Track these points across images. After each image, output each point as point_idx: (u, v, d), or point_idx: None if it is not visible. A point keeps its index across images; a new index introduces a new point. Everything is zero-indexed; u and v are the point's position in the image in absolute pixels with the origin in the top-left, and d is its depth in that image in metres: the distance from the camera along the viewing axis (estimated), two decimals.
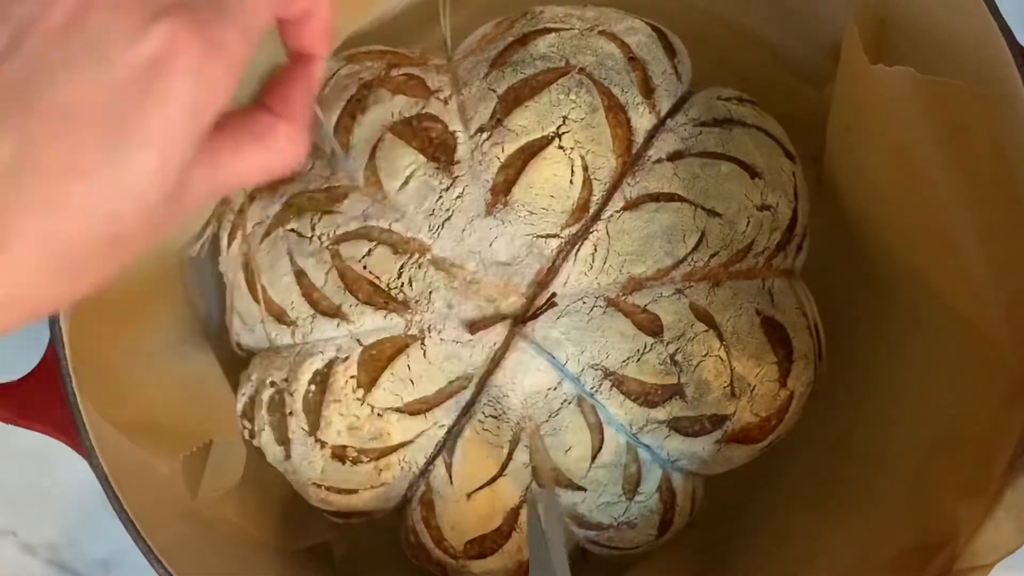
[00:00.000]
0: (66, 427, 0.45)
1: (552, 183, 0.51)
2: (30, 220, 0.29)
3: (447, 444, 0.53)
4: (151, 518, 0.46)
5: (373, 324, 0.52)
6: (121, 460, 0.46)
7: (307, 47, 0.37)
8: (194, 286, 0.60)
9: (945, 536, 0.46)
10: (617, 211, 0.51)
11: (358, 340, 0.52)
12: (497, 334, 0.52)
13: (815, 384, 0.55)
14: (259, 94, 0.35)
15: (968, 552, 0.45)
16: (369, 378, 0.51)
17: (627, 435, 0.52)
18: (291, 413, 0.53)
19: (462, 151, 0.52)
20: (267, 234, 0.53)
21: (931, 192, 0.49)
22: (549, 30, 0.54)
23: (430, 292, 0.51)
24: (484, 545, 0.54)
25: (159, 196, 0.31)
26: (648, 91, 0.53)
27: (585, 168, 0.51)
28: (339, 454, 0.52)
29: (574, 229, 0.51)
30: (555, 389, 0.52)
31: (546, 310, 0.51)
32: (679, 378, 0.51)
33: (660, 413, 0.52)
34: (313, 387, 0.52)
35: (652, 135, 0.53)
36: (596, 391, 0.51)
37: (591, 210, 0.51)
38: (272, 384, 0.54)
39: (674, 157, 0.52)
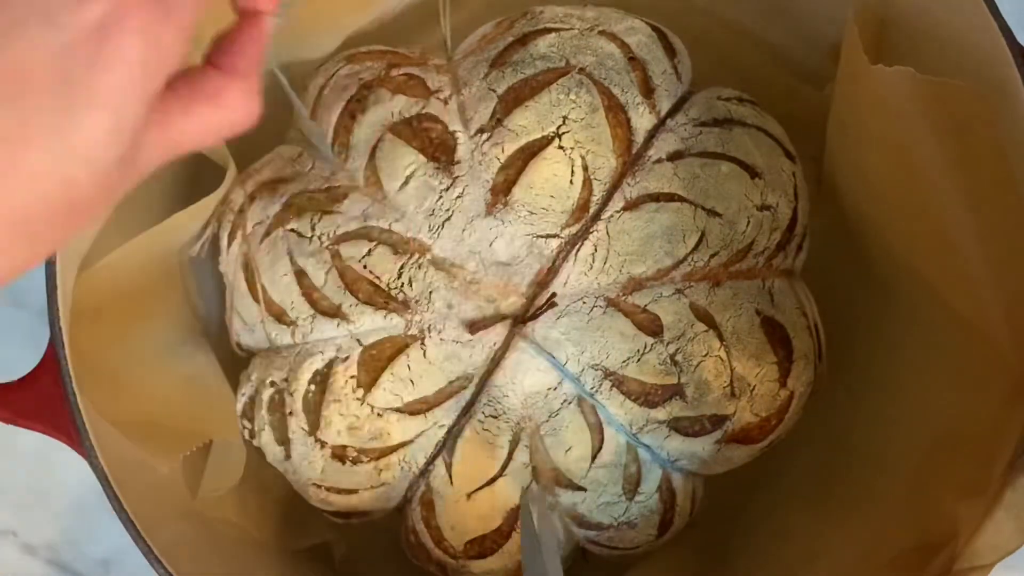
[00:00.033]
0: (66, 427, 0.45)
1: (552, 183, 0.51)
2: None
3: (447, 444, 0.53)
4: (151, 518, 0.46)
5: (373, 324, 0.52)
6: (121, 460, 0.46)
7: (254, 5, 0.37)
8: (194, 286, 0.60)
9: (945, 536, 0.46)
10: (617, 211, 0.51)
11: (358, 340, 0.52)
12: (497, 334, 0.52)
13: (815, 384, 0.55)
14: (209, 54, 0.35)
15: (968, 552, 0.45)
16: (369, 378, 0.51)
17: (627, 435, 0.52)
18: (291, 413, 0.53)
19: (462, 151, 0.52)
20: (267, 234, 0.53)
21: (931, 192, 0.49)
22: (549, 30, 0.54)
23: (430, 292, 0.51)
24: (484, 545, 0.54)
25: (112, 159, 0.30)
26: (648, 91, 0.53)
27: (585, 168, 0.51)
28: (339, 454, 0.52)
29: (574, 229, 0.51)
30: (555, 389, 0.52)
31: (546, 310, 0.51)
32: (679, 378, 0.51)
33: (660, 413, 0.52)
34: (313, 387, 0.52)
35: (652, 135, 0.53)
36: (596, 391, 0.51)
37: (591, 210, 0.51)
38: (272, 384, 0.54)
39: (674, 157, 0.52)
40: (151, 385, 0.53)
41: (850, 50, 0.49)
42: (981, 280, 0.49)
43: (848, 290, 0.60)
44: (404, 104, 0.53)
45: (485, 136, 0.52)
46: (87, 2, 0.29)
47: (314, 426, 0.52)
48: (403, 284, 0.51)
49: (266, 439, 0.54)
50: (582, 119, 0.51)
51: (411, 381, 0.51)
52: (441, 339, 0.51)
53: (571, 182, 0.51)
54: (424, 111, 0.52)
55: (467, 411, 0.52)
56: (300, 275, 0.52)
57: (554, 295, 0.51)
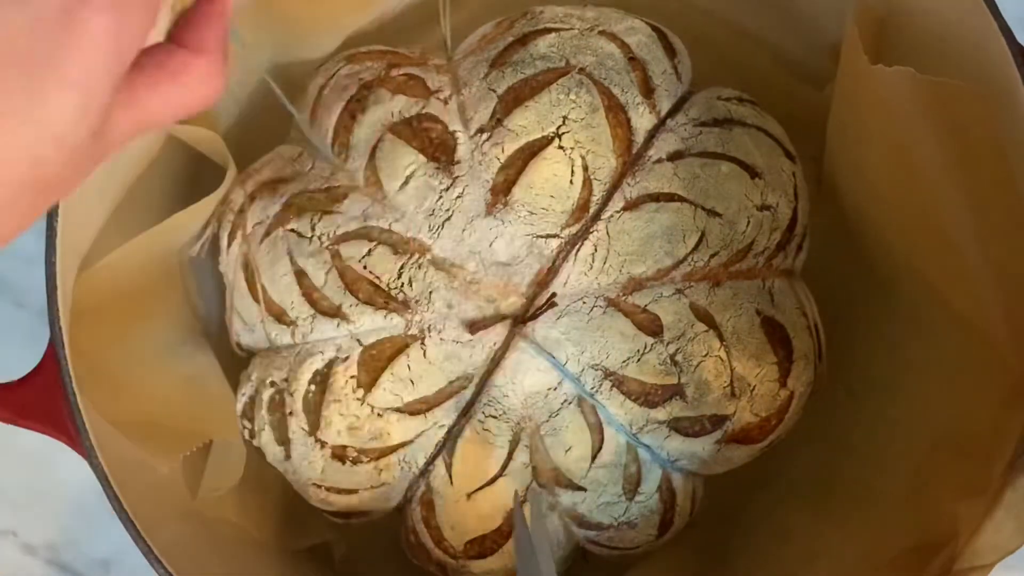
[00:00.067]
0: (66, 427, 0.45)
1: (552, 183, 0.51)
2: None
3: (447, 444, 0.53)
4: (151, 518, 0.46)
5: (373, 324, 0.52)
6: (121, 460, 0.46)
7: None
8: (194, 286, 0.60)
9: (945, 536, 0.46)
10: (617, 211, 0.51)
11: (358, 340, 0.52)
12: (497, 334, 0.52)
13: (815, 384, 0.55)
14: (173, 30, 0.35)
15: (968, 552, 0.45)
16: (369, 378, 0.51)
17: (627, 435, 0.52)
18: (291, 413, 0.53)
19: (462, 151, 0.52)
20: (267, 234, 0.53)
21: (931, 192, 0.49)
22: (549, 30, 0.54)
23: (430, 292, 0.51)
24: (484, 545, 0.54)
25: (82, 138, 0.31)
26: (648, 91, 0.53)
27: (585, 168, 0.51)
28: (339, 454, 0.52)
29: (574, 229, 0.51)
30: (555, 389, 0.52)
31: (546, 310, 0.51)
32: (679, 378, 0.51)
33: (660, 413, 0.51)
34: (313, 387, 0.52)
35: (652, 135, 0.53)
36: (596, 391, 0.51)
37: (591, 210, 0.51)
38: (272, 384, 0.54)
39: (674, 157, 0.52)
40: (151, 385, 0.53)
41: (850, 50, 0.49)
42: (981, 280, 0.49)
43: (848, 290, 0.60)
44: (404, 104, 0.53)
45: (485, 136, 0.52)
46: None
47: (314, 426, 0.52)
48: (403, 284, 0.51)
49: (266, 439, 0.54)
50: (582, 119, 0.51)
51: (411, 381, 0.51)
52: (441, 339, 0.51)
53: (571, 182, 0.51)
54: (424, 111, 0.52)
55: (467, 411, 0.52)
56: (300, 275, 0.52)
57: (554, 295, 0.51)
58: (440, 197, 0.51)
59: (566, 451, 0.52)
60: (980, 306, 0.49)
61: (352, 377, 0.51)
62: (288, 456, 0.54)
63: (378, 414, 0.52)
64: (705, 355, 0.51)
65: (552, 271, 0.51)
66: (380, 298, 0.51)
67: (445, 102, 0.53)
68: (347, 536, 0.60)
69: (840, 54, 0.53)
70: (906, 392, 0.55)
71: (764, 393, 0.52)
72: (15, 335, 0.66)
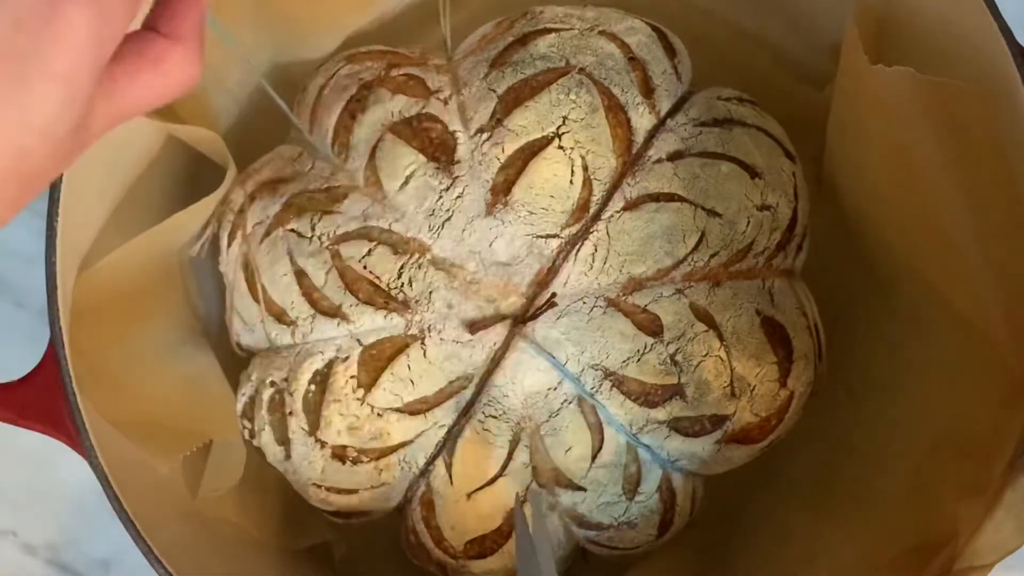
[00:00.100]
0: (66, 427, 0.45)
1: (552, 183, 0.51)
2: None
3: (447, 444, 0.53)
4: (151, 518, 0.46)
5: (373, 324, 0.52)
6: (121, 460, 0.46)
7: None
8: (194, 286, 0.60)
9: (945, 536, 0.46)
10: (617, 211, 0.51)
11: (358, 340, 0.52)
12: (497, 334, 0.52)
13: (815, 384, 0.55)
14: (149, 18, 0.35)
15: (968, 552, 0.45)
16: (369, 378, 0.51)
17: (627, 435, 0.52)
18: (291, 413, 0.53)
19: (462, 151, 0.52)
20: (267, 234, 0.53)
21: (931, 192, 0.49)
22: (549, 30, 0.54)
23: (430, 292, 0.51)
24: (484, 545, 0.54)
25: (65, 129, 0.31)
26: (648, 91, 0.53)
27: (585, 168, 0.51)
28: (339, 454, 0.52)
29: (574, 229, 0.51)
30: (555, 389, 0.52)
31: (546, 310, 0.51)
32: (679, 378, 0.51)
33: (660, 413, 0.51)
34: (313, 387, 0.52)
35: (652, 135, 0.53)
36: (596, 391, 0.51)
37: (591, 210, 0.51)
38: (272, 384, 0.54)
39: (674, 157, 0.52)
40: (151, 385, 0.53)
41: (850, 50, 0.49)
42: (981, 280, 0.49)
43: (848, 290, 0.60)
44: (404, 104, 0.53)
45: (485, 136, 0.52)
46: None
47: (314, 426, 0.52)
48: (403, 284, 0.51)
49: (266, 439, 0.54)
50: (582, 119, 0.51)
51: (411, 381, 0.51)
52: (441, 339, 0.51)
53: (571, 182, 0.51)
54: (424, 111, 0.52)
55: (467, 411, 0.52)
56: (300, 275, 0.52)
57: (554, 295, 0.51)
58: (440, 197, 0.51)
59: (566, 451, 0.52)
60: (980, 306, 0.49)
61: (352, 377, 0.52)
62: (288, 456, 0.54)
63: (378, 414, 0.52)
64: (705, 355, 0.51)
65: (552, 271, 0.51)
66: (380, 298, 0.51)
67: (445, 102, 0.53)
68: (347, 536, 0.60)
69: (840, 54, 0.53)
70: (906, 392, 0.55)
71: (764, 393, 0.52)
72: (15, 335, 0.66)
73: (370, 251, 0.51)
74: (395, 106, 0.53)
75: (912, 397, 0.55)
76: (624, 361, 0.51)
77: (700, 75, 0.56)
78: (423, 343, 0.51)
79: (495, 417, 0.52)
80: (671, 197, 0.52)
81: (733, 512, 0.61)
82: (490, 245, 0.51)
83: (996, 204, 0.47)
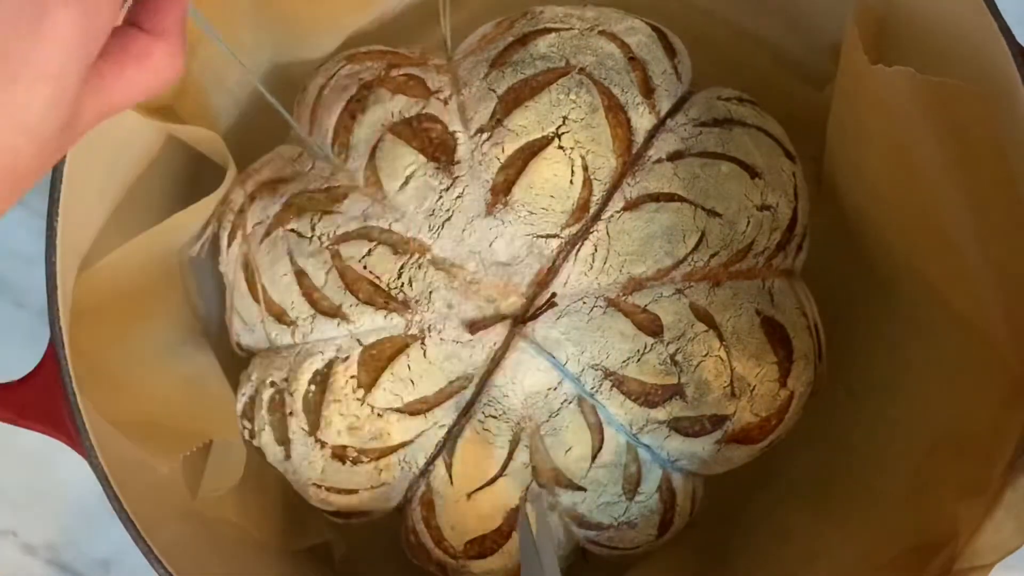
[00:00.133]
0: (66, 427, 0.45)
1: (552, 183, 0.51)
2: None
3: (447, 444, 0.53)
4: (151, 518, 0.46)
5: (373, 324, 0.52)
6: (121, 460, 0.46)
7: None
8: (194, 286, 0.60)
9: (945, 536, 0.46)
10: (617, 211, 0.51)
11: (358, 340, 0.52)
12: (497, 334, 0.52)
13: (815, 384, 0.55)
14: (131, 13, 0.36)
15: (968, 552, 0.45)
16: (369, 378, 0.51)
17: (627, 435, 0.52)
18: (291, 413, 0.53)
19: (462, 151, 0.52)
20: (267, 234, 0.53)
21: (931, 192, 0.49)
22: (549, 30, 0.54)
23: (430, 292, 0.51)
24: (484, 545, 0.54)
25: (54, 128, 0.32)
26: (648, 91, 0.53)
27: (585, 168, 0.51)
28: (339, 454, 0.52)
29: (574, 229, 0.51)
30: (555, 389, 0.52)
31: (546, 310, 0.51)
32: (679, 378, 0.51)
33: (660, 413, 0.51)
34: (313, 387, 0.52)
35: (652, 135, 0.53)
36: (596, 391, 0.51)
37: (591, 210, 0.51)
38: (272, 384, 0.54)
39: (674, 157, 0.52)
40: (151, 385, 0.53)
41: (850, 50, 0.49)
42: (981, 280, 0.49)
43: (848, 290, 0.60)
44: (404, 104, 0.53)
45: (485, 136, 0.52)
46: None
47: (314, 426, 0.52)
48: (403, 284, 0.51)
49: (266, 439, 0.54)
50: (582, 119, 0.51)
51: (411, 381, 0.51)
52: (441, 339, 0.51)
53: (571, 182, 0.51)
54: (424, 111, 0.52)
55: (467, 411, 0.52)
56: (300, 275, 0.52)
57: (554, 295, 0.51)
58: (440, 197, 0.51)
59: (566, 451, 0.52)
60: (980, 306, 0.49)
61: (352, 377, 0.52)
62: (288, 456, 0.54)
63: (378, 414, 0.52)
64: (705, 355, 0.51)
65: (552, 271, 0.51)
66: (380, 298, 0.51)
67: (445, 102, 0.53)
68: (347, 536, 0.60)
69: (840, 54, 0.53)
70: (906, 392, 0.55)
71: (764, 393, 0.52)
72: (15, 335, 0.66)
73: (370, 251, 0.51)
74: (395, 106, 0.53)
75: (912, 397, 0.55)
76: (624, 361, 0.51)
77: (700, 75, 0.56)
78: (423, 343, 0.51)
79: (495, 417, 0.52)
80: (671, 197, 0.52)
81: (733, 512, 0.61)
82: (490, 245, 0.51)
83: (996, 204, 0.47)
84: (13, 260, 0.67)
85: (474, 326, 0.51)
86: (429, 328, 0.51)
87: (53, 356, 0.45)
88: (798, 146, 0.56)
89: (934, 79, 0.45)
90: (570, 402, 0.52)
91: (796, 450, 0.58)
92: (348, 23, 0.59)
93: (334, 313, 0.52)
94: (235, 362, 0.57)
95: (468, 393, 0.52)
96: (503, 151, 0.51)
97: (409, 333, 0.52)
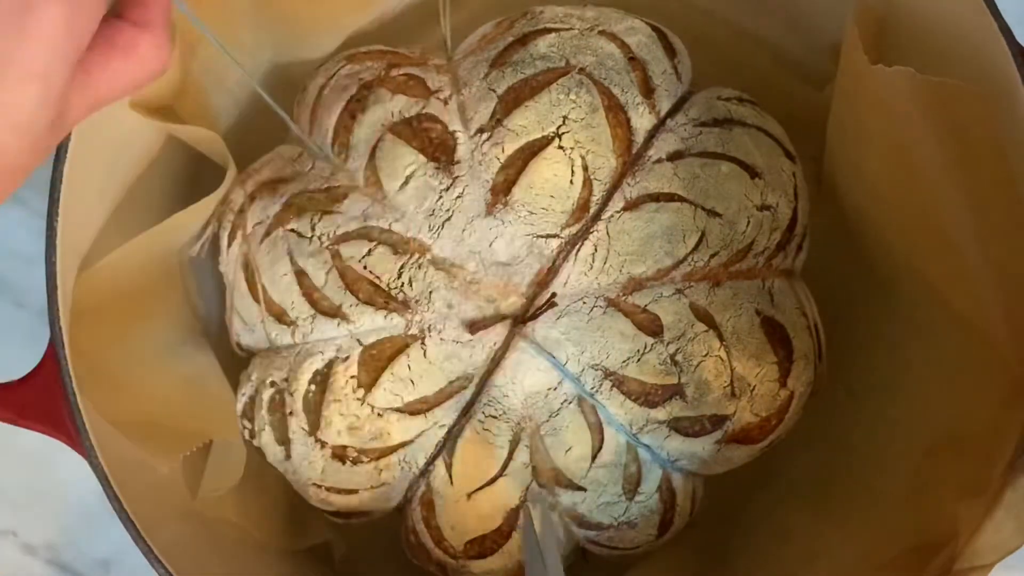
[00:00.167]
0: (66, 427, 0.45)
1: (552, 183, 0.51)
2: None
3: (447, 444, 0.53)
4: (151, 518, 0.46)
5: (373, 324, 0.52)
6: (121, 460, 0.46)
7: None
8: (194, 286, 0.60)
9: (945, 536, 0.46)
10: (617, 211, 0.51)
11: (358, 340, 0.52)
12: (497, 334, 0.52)
13: (815, 384, 0.55)
14: (116, 5, 0.36)
15: (968, 552, 0.45)
16: (369, 378, 0.51)
17: (627, 435, 0.52)
18: (291, 413, 0.53)
19: (462, 151, 0.52)
20: (267, 234, 0.53)
21: (931, 192, 0.49)
22: (549, 30, 0.54)
23: (430, 292, 0.51)
24: (484, 545, 0.54)
25: (43, 124, 0.32)
26: (648, 91, 0.53)
27: (585, 168, 0.51)
28: (339, 454, 0.52)
29: (574, 229, 0.51)
30: (555, 389, 0.52)
31: (546, 310, 0.51)
32: (679, 378, 0.51)
33: (660, 413, 0.52)
34: (313, 387, 0.52)
35: (652, 135, 0.53)
36: (596, 391, 0.51)
37: (591, 210, 0.51)
38: (272, 384, 0.54)
39: (674, 157, 0.52)
40: (151, 385, 0.53)
41: (850, 50, 0.49)
42: (981, 280, 0.49)
43: (848, 290, 0.60)
44: (404, 104, 0.53)
45: (485, 136, 0.52)
46: None
47: (314, 426, 0.52)
48: (403, 284, 0.51)
49: (266, 439, 0.54)
50: (582, 119, 0.51)
51: (411, 381, 0.51)
52: (441, 339, 0.51)
53: (571, 182, 0.51)
54: (424, 111, 0.52)
55: (467, 411, 0.52)
56: (300, 275, 0.52)
57: (554, 295, 0.51)
58: (440, 197, 0.51)
59: (566, 451, 0.52)
60: (980, 306, 0.49)
61: (352, 377, 0.52)
62: (288, 456, 0.54)
63: (378, 414, 0.52)
64: (705, 355, 0.51)
65: (552, 271, 0.51)
66: (380, 298, 0.51)
67: (445, 102, 0.53)
68: (347, 536, 0.60)
69: (840, 54, 0.53)
70: (906, 392, 0.55)
71: (764, 393, 0.52)
72: (15, 335, 0.66)
73: (370, 251, 0.51)
74: (395, 106, 0.53)
75: (912, 397, 0.55)
76: (624, 361, 0.51)
77: (700, 75, 0.56)
78: (423, 343, 0.51)
79: (495, 417, 0.52)
80: (671, 197, 0.52)
81: (733, 512, 0.61)
82: (490, 245, 0.51)
83: (996, 204, 0.47)
84: (13, 260, 0.67)
85: (474, 326, 0.51)
86: (429, 328, 0.51)
87: (53, 356, 0.45)
88: (798, 146, 0.56)
89: (934, 79, 0.45)
90: (570, 402, 0.52)
91: (796, 450, 0.58)
92: (348, 23, 0.59)
93: (334, 313, 0.52)
94: (235, 362, 0.57)
95: (468, 393, 0.52)
96: (503, 151, 0.51)
97: (409, 333, 0.52)
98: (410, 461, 0.53)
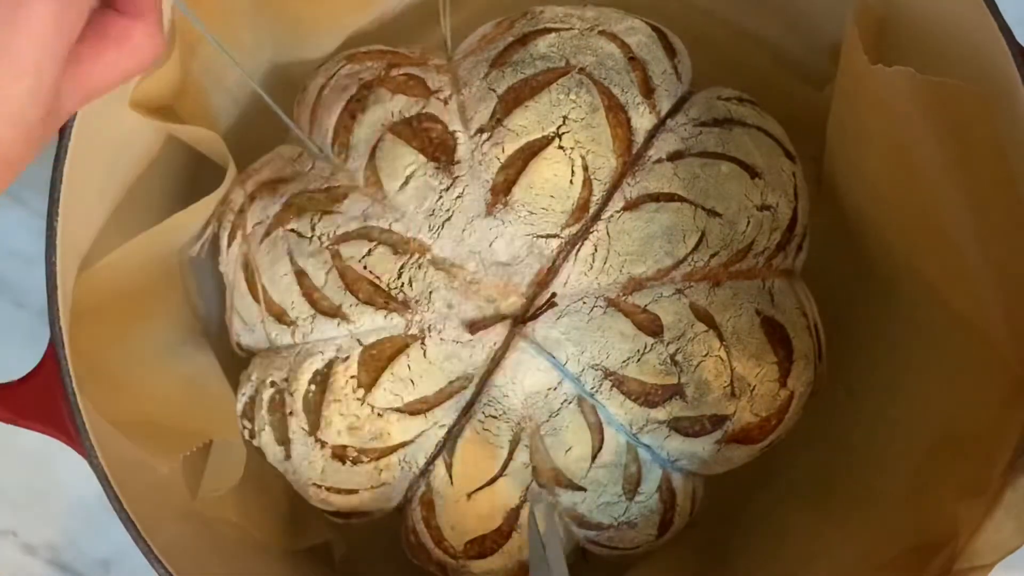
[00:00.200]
0: (66, 427, 0.45)
1: (552, 183, 0.51)
2: None
3: (447, 444, 0.53)
4: (151, 518, 0.46)
5: (373, 324, 0.52)
6: (121, 460, 0.46)
7: None
8: (194, 286, 0.60)
9: (945, 536, 0.46)
10: (617, 211, 0.51)
11: (358, 340, 0.52)
12: (497, 334, 0.52)
13: (815, 384, 0.55)
14: None
15: (968, 552, 0.45)
16: (369, 378, 0.51)
17: (627, 435, 0.52)
18: (291, 413, 0.53)
19: (462, 151, 0.52)
20: (267, 234, 0.53)
21: (931, 192, 0.49)
22: (549, 30, 0.54)
23: (430, 292, 0.51)
24: (484, 545, 0.54)
25: (36, 117, 0.32)
26: (648, 91, 0.53)
27: (585, 168, 0.51)
28: (339, 454, 0.52)
29: (574, 229, 0.51)
30: (555, 389, 0.52)
31: (546, 310, 0.51)
32: (679, 378, 0.51)
33: (660, 413, 0.52)
34: (313, 387, 0.52)
35: (652, 135, 0.53)
36: (596, 391, 0.51)
37: (591, 210, 0.51)
38: (272, 384, 0.54)
39: (674, 157, 0.52)
40: (151, 385, 0.53)
41: (850, 50, 0.49)
42: (981, 280, 0.49)
43: (848, 290, 0.60)
44: (404, 104, 0.53)
45: (485, 136, 0.52)
46: None
47: (314, 426, 0.52)
48: (403, 284, 0.51)
49: (266, 439, 0.54)
50: (582, 119, 0.51)
51: (411, 381, 0.51)
52: (441, 339, 0.51)
53: (571, 182, 0.51)
54: (424, 111, 0.52)
55: (467, 411, 0.52)
56: (300, 275, 0.52)
57: (554, 295, 0.51)
58: (440, 197, 0.51)
59: (566, 451, 0.52)
60: (980, 306, 0.49)
61: (352, 377, 0.52)
62: (288, 456, 0.54)
63: (378, 414, 0.52)
64: (705, 355, 0.51)
65: (552, 271, 0.51)
66: (380, 298, 0.51)
67: (445, 102, 0.53)
68: (347, 536, 0.60)
69: (840, 54, 0.53)
70: (906, 392, 0.55)
71: (764, 393, 0.52)
72: (15, 335, 0.66)
73: (370, 251, 0.51)
74: (395, 106, 0.53)
75: (912, 397, 0.55)
76: (624, 361, 0.51)
77: (700, 75, 0.56)
78: (423, 343, 0.51)
79: (495, 417, 0.52)
80: (671, 197, 0.52)
81: (733, 512, 0.61)
82: (490, 245, 0.51)
83: (996, 204, 0.47)
84: (13, 260, 0.67)
85: (474, 326, 0.51)
86: (429, 328, 0.51)
87: (53, 356, 0.45)
88: (798, 146, 0.56)
89: (934, 79, 0.45)
90: (570, 402, 0.52)
91: (796, 450, 0.58)
92: (348, 23, 0.59)
93: (334, 313, 0.52)
94: (235, 362, 0.57)
95: (468, 393, 0.52)
96: (503, 151, 0.51)
97: (409, 333, 0.52)
98: (410, 461, 0.53)
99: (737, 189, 0.52)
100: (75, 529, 0.66)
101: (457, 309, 0.51)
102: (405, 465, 0.53)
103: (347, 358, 0.52)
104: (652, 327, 0.51)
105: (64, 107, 0.34)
